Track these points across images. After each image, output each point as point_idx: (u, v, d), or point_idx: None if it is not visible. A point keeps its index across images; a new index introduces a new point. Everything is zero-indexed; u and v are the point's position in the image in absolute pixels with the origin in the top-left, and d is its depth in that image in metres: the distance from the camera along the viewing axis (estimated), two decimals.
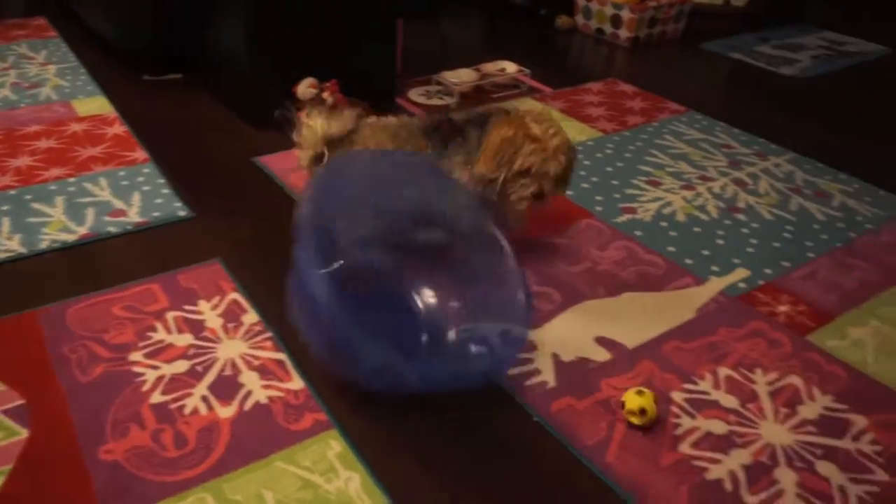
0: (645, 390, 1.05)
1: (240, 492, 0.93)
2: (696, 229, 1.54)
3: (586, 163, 1.78)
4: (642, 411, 1.04)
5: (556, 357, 1.17)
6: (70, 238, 1.40)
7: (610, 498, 0.95)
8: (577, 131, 1.94)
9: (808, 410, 1.10)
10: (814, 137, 2.00)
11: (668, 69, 2.52)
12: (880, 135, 2.06)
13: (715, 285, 1.36)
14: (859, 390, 1.14)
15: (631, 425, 1.05)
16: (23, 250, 1.36)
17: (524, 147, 1.26)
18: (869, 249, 1.51)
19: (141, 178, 1.62)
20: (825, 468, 1.01)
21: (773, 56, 2.65)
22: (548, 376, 1.14)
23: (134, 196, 1.55)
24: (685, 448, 1.03)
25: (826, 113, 2.20)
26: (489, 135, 1.27)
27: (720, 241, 1.50)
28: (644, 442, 1.03)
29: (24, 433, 0.99)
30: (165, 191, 1.58)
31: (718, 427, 1.06)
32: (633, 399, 1.04)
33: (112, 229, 1.44)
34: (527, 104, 2.09)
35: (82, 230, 1.42)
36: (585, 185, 1.68)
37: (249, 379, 1.10)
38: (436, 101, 2.10)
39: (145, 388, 1.07)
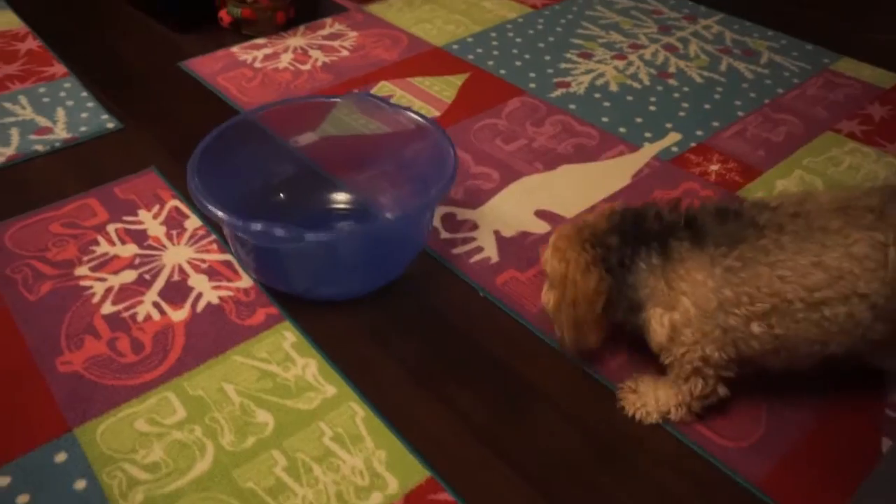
0: None
1: (200, 387, 0.96)
2: (629, 98, 1.56)
3: (518, 40, 1.77)
4: None
5: (497, 233, 1.21)
6: None
7: (552, 354, 1.01)
8: (507, 9, 1.92)
9: None
10: None
11: None
12: None
13: (648, 151, 1.40)
14: None
15: None
16: None
17: None
18: (795, 103, 1.55)
19: (63, 93, 1.56)
20: None
21: None
22: (491, 252, 1.17)
23: (58, 112, 1.50)
24: None
25: None
26: None
27: (652, 108, 1.52)
28: None
29: None
30: (90, 104, 1.53)
31: None
32: None
33: (39, 148, 1.40)
34: None
35: (8, 151, 1.38)
36: (518, 63, 1.67)
37: (198, 282, 1.12)
38: None
39: (95, 300, 1.08)
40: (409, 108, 1.19)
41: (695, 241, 0.85)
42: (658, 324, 0.86)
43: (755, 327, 0.83)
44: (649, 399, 0.92)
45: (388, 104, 1.20)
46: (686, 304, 0.84)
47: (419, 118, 1.16)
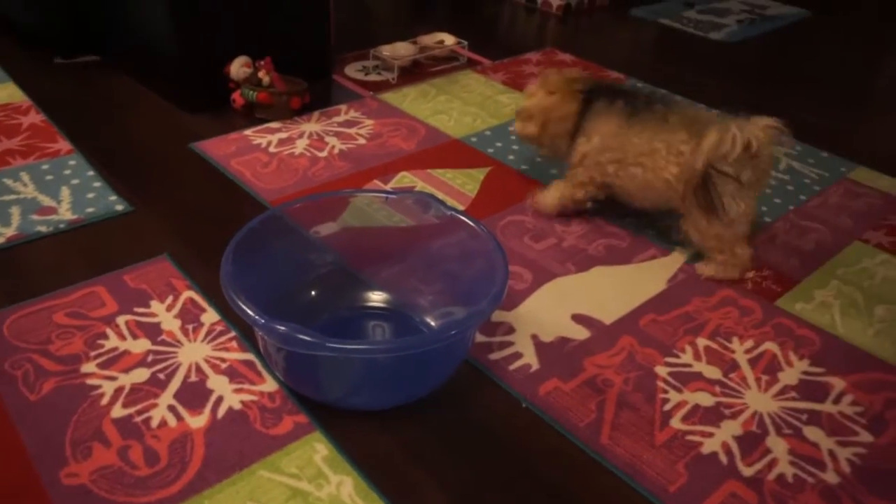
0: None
1: None
2: None
3: None
4: None
5: (535, 338, 1.14)
6: None
7: (609, 479, 0.93)
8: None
9: (788, 376, 1.11)
10: (752, 103, 2.02)
11: (601, 37, 2.51)
12: (813, 98, 2.11)
13: (680, 256, 1.36)
14: (832, 352, 1.16)
15: (620, 404, 1.03)
16: None
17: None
18: (819, 212, 1.53)
19: (67, 171, 1.49)
20: (812, 433, 1.02)
21: (700, 21, 2.68)
22: (531, 359, 1.10)
23: (62, 191, 1.43)
24: (676, 423, 1.02)
25: (761, 78, 2.23)
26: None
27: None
28: (635, 420, 1.01)
29: None
30: (97, 184, 1.46)
31: (706, 399, 1.06)
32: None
33: (42, 229, 1.32)
34: (468, 77, 2.04)
35: (9, 232, 1.30)
36: (539, 160, 1.65)
37: (218, 384, 1.03)
38: (374, 77, 2.02)
39: (104, 401, 0.99)
40: (466, 215, 1.12)
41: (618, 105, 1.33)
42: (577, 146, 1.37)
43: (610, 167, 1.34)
44: (547, 195, 1.42)
45: (445, 207, 1.13)
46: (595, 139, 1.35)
47: (475, 225, 1.10)
